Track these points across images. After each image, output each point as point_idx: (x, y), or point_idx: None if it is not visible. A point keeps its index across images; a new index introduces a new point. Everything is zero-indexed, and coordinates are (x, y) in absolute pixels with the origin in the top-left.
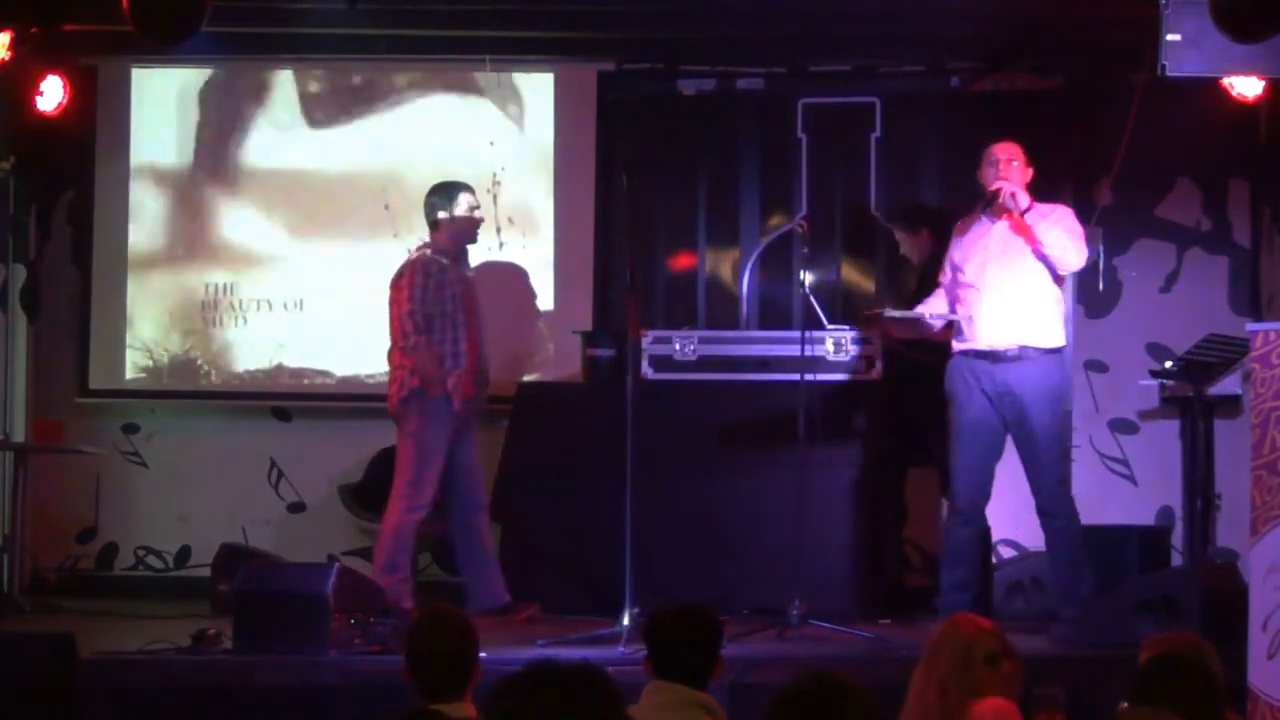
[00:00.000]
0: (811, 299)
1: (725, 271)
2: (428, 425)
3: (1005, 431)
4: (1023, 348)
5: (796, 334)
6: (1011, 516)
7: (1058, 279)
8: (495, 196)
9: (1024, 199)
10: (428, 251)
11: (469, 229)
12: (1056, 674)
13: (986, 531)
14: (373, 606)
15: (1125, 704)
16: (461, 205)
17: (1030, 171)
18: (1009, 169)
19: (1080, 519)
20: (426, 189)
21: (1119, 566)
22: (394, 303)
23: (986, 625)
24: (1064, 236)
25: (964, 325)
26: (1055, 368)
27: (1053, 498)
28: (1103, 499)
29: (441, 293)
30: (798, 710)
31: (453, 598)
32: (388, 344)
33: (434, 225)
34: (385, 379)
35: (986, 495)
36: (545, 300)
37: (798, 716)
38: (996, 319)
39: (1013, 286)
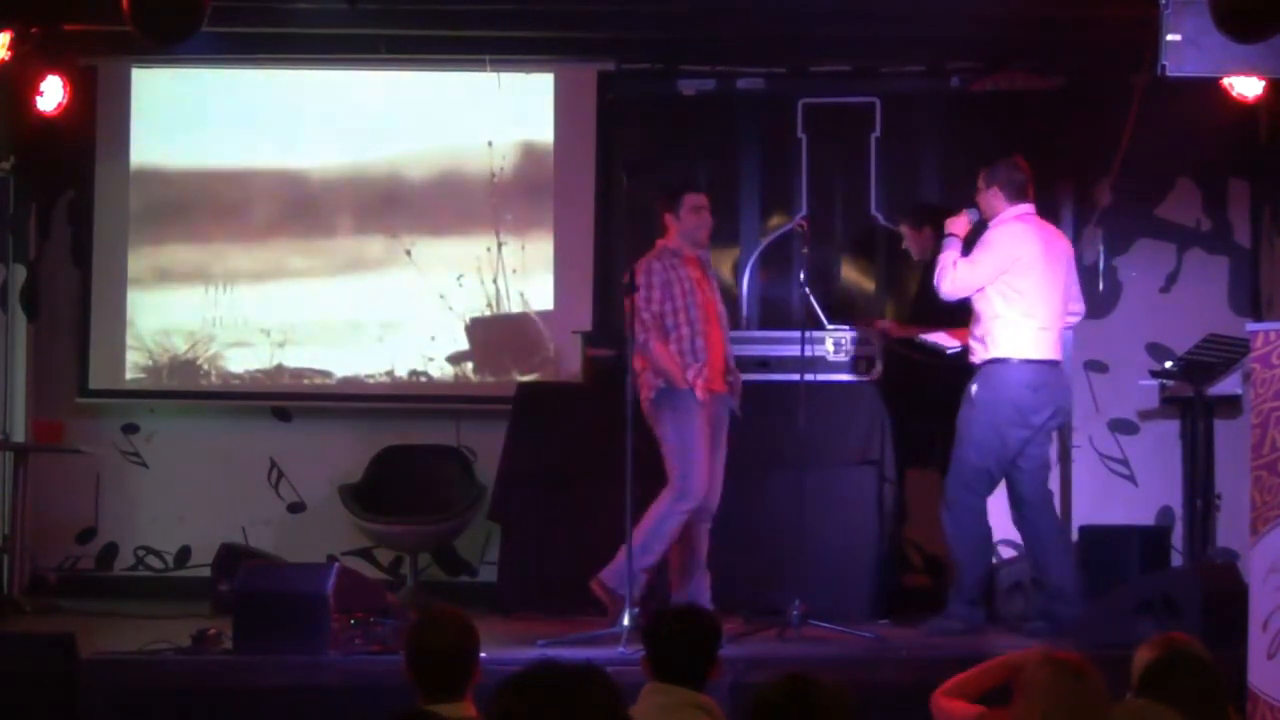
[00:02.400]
0: (811, 299)
1: (725, 271)
2: (681, 421)
3: None
4: (970, 362)
5: (796, 334)
6: (1011, 516)
7: (1006, 295)
8: (494, 197)
9: (951, 226)
10: (657, 252)
11: (694, 227)
12: None
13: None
14: (373, 606)
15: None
16: (685, 205)
17: (989, 190)
18: (976, 195)
19: (964, 531)
20: (427, 189)
21: (1119, 566)
22: (631, 303)
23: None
24: (944, 267)
25: None
26: (973, 379)
27: (947, 501)
28: (1103, 499)
29: (671, 289)
30: (773, 712)
31: (453, 598)
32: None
33: (662, 227)
34: (385, 380)
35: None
36: (546, 300)
37: (774, 718)
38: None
39: (971, 306)
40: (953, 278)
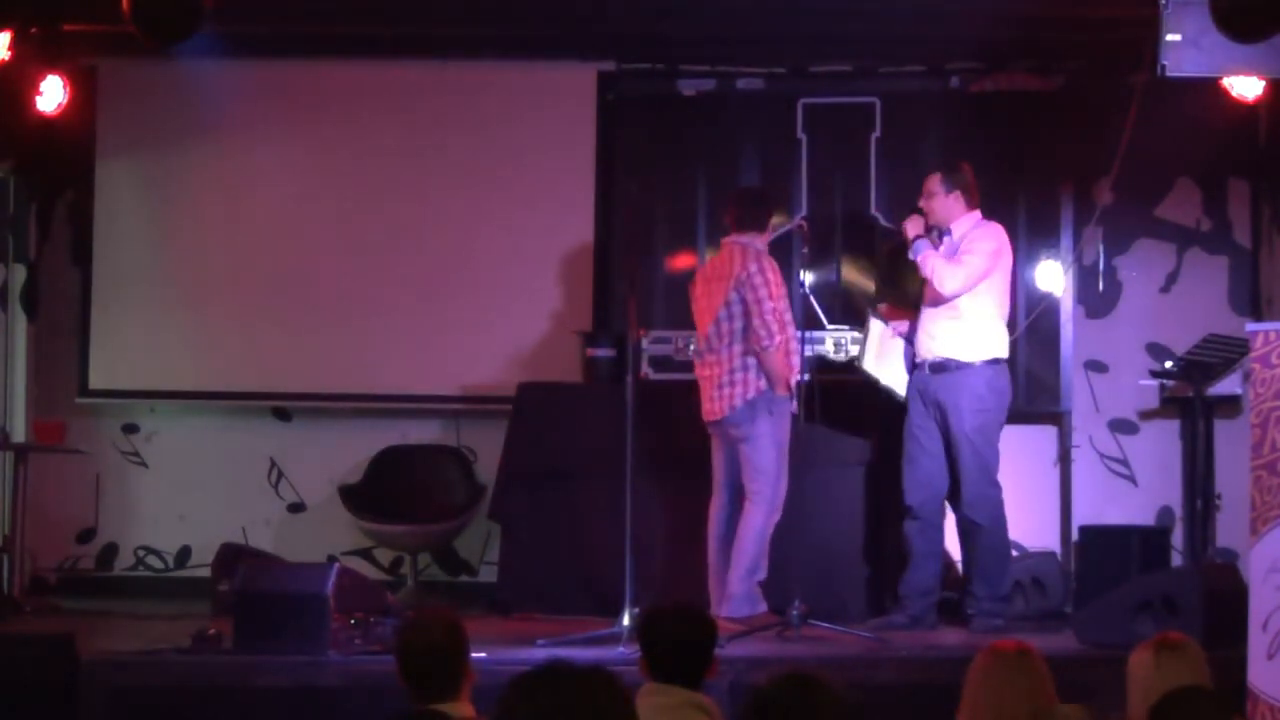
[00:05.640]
0: (811, 299)
1: None
2: (778, 425)
3: (943, 436)
4: (948, 360)
5: (796, 334)
6: (1012, 517)
7: (992, 295)
8: (494, 197)
9: (913, 230)
10: (762, 249)
11: (769, 237)
12: (1057, 674)
13: (967, 528)
14: (373, 606)
15: None
16: (775, 215)
17: (950, 195)
18: (925, 202)
19: (1003, 522)
20: (427, 189)
21: (1119, 566)
22: (752, 301)
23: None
24: (939, 266)
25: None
26: (979, 377)
27: (976, 501)
28: (1103, 499)
29: (783, 288)
30: (776, 710)
31: (453, 598)
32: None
33: (763, 227)
34: (385, 380)
35: (940, 496)
36: (550, 300)
37: (775, 716)
38: (929, 335)
39: (941, 305)
40: (954, 274)
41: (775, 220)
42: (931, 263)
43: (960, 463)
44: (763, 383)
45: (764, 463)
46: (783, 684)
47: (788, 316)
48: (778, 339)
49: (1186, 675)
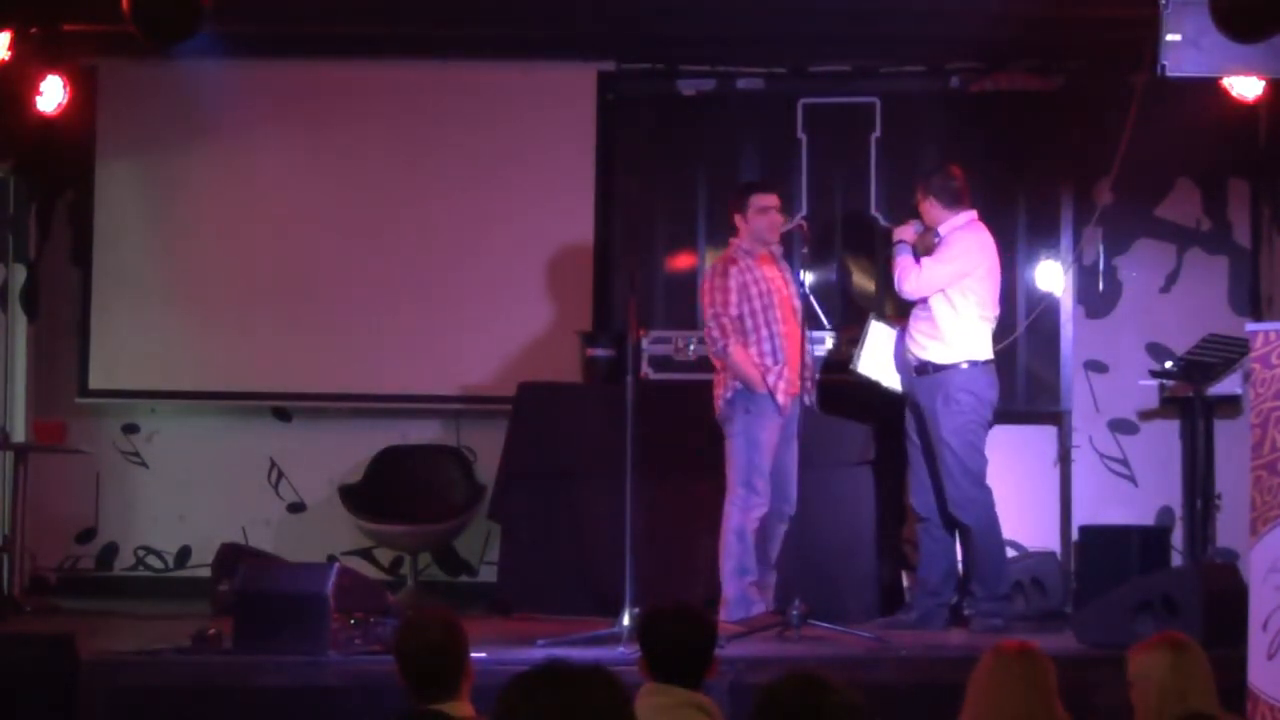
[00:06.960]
0: (811, 299)
1: None
2: (755, 424)
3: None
4: (927, 362)
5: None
6: (1011, 516)
7: (966, 298)
8: (494, 197)
9: (900, 233)
10: (732, 252)
11: (763, 228)
12: (1057, 674)
13: (958, 530)
14: (373, 606)
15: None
16: (752, 206)
17: (926, 200)
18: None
19: (993, 524)
20: (427, 189)
21: (1119, 566)
22: (704, 308)
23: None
24: (901, 270)
25: None
26: (954, 380)
27: (961, 503)
28: (1103, 499)
29: (747, 291)
30: (782, 710)
31: (453, 598)
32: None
33: (734, 228)
34: (385, 380)
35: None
36: (550, 300)
37: (782, 716)
38: (911, 338)
39: (919, 307)
40: (916, 277)
41: (765, 203)
42: (899, 263)
43: (941, 465)
44: (738, 382)
45: (736, 461)
46: (788, 684)
47: (774, 315)
48: (720, 344)
49: (1198, 675)
